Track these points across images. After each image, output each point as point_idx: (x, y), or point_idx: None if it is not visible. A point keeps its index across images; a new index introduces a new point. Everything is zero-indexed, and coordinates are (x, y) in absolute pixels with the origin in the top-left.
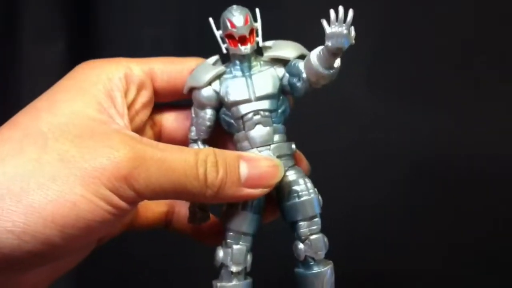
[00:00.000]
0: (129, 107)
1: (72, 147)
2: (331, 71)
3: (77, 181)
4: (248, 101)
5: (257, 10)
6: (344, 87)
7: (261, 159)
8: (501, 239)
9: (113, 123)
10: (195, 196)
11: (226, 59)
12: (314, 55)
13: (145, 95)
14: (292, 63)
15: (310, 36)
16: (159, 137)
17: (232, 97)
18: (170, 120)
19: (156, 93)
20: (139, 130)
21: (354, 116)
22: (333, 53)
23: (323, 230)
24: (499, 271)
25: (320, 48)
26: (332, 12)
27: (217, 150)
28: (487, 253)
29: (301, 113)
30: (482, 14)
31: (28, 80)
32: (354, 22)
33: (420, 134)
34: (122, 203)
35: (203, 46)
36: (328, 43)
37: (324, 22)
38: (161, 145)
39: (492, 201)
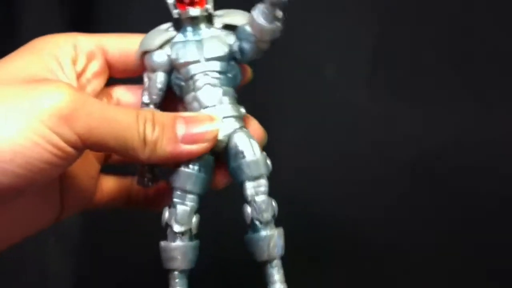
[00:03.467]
0: (80, 75)
1: (15, 89)
2: (273, 25)
3: (16, 119)
4: (197, 62)
5: None
6: (344, 88)
7: (198, 116)
8: (502, 238)
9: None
10: (134, 152)
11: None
12: (257, 9)
13: (96, 65)
14: (240, 28)
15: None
16: None
17: (182, 58)
18: (127, 95)
19: (110, 67)
20: None
21: (355, 116)
22: (271, 3)
23: (325, 228)
24: (500, 271)
25: (261, 3)
26: None
27: (156, 111)
28: (488, 253)
29: (301, 113)
30: (483, 14)
31: None
32: (354, 22)
33: (420, 135)
34: (63, 144)
35: None
36: None
37: None
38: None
39: (493, 201)
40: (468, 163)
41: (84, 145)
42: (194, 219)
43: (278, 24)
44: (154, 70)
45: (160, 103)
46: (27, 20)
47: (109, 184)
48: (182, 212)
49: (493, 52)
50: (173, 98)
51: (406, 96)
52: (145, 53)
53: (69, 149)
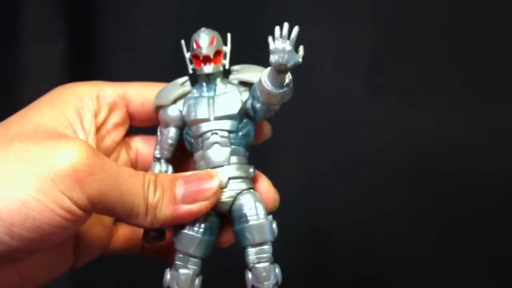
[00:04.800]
0: (100, 126)
1: (34, 147)
2: (280, 90)
3: (31, 181)
4: (207, 120)
5: (228, 35)
6: (344, 88)
7: (197, 173)
8: (501, 239)
9: (77, 137)
10: (137, 219)
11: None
12: (265, 74)
13: (117, 116)
14: (253, 86)
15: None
16: (135, 161)
17: (193, 115)
18: (146, 146)
19: (131, 116)
20: (111, 150)
21: (355, 116)
22: (277, 70)
23: (324, 227)
24: (499, 272)
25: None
26: (277, 29)
27: (159, 174)
28: (488, 252)
29: (301, 114)
30: (482, 14)
31: (28, 80)
32: (354, 23)
33: (420, 135)
34: (74, 208)
35: None
36: (271, 59)
37: (270, 39)
38: (119, 164)
39: (493, 200)
40: (468, 162)
41: (93, 208)
42: (197, 282)
43: (286, 89)
44: (166, 125)
45: (171, 158)
46: (27, 21)
47: (125, 232)
48: (184, 277)
49: (493, 52)
50: (184, 153)
51: (406, 96)
52: (159, 107)
53: (79, 212)
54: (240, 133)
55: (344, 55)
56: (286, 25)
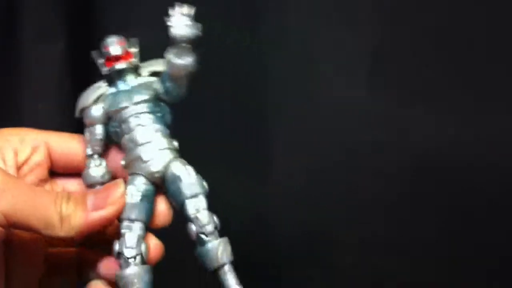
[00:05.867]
0: (22, 164)
1: None
2: (184, 62)
3: None
4: (127, 107)
5: (136, 39)
6: (344, 88)
7: (105, 186)
8: (501, 239)
9: None
10: (53, 230)
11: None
12: (170, 48)
13: (39, 155)
14: (163, 71)
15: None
16: None
17: (114, 106)
18: (70, 183)
19: (52, 162)
20: (35, 185)
21: (355, 116)
22: (177, 42)
23: (324, 227)
24: (500, 271)
25: None
26: (171, 9)
27: (73, 192)
28: (488, 252)
29: (301, 114)
30: (482, 14)
31: (28, 80)
32: (354, 22)
33: (420, 135)
34: None
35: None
36: (171, 33)
37: (166, 18)
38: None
39: (493, 200)
40: (468, 163)
41: (8, 223)
42: (143, 247)
43: (189, 59)
44: (92, 124)
45: (102, 153)
46: (27, 21)
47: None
48: (131, 238)
49: (493, 52)
50: (115, 150)
51: (406, 96)
52: (83, 109)
53: None
54: (158, 114)
55: (344, 55)
56: (179, 4)
